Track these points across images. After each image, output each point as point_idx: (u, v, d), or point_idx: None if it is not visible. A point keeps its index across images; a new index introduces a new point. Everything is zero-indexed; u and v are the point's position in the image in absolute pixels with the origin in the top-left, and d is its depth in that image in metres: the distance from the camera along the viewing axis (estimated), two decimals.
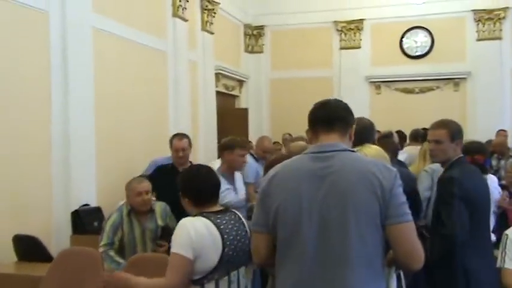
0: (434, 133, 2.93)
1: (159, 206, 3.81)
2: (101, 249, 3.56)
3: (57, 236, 4.75)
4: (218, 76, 8.93)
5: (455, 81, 9.71)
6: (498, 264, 2.95)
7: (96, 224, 4.80)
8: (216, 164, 5.44)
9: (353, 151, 1.97)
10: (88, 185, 5.15)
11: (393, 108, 9.75)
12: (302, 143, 4.15)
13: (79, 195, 4.96)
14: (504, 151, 6.63)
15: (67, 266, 3.22)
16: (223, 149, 4.28)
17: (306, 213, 1.83)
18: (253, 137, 9.63)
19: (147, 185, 3.72)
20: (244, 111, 9.42)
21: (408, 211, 1.81)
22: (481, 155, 4.03)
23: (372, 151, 2.70)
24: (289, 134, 7.96)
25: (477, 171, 3.02)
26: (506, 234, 3.03)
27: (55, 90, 4.77)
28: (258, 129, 10.37)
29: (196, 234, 2.18)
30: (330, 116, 1.97)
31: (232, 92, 9.91)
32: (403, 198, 1.82)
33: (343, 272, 1.77)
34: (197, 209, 2.34)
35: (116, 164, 5.62)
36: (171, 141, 4.54)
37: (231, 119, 8.94)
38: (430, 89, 9.85)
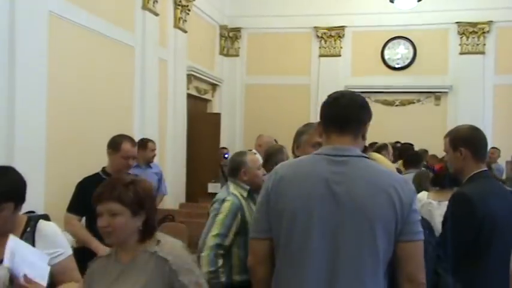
0: None
1: None
2: (210, 242, 2.68)
3: None
4: (190, 78, 8.35)
5: (436, 94, 9.40)
6: None
7: None
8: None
9: (367, 157, 1.86)
10: (35, 189, 4.47)
11: (372, 120, 9.35)
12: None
13: None
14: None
15: None
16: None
17: (317, 223, 1.73)
18: (225, 143, 9.14)
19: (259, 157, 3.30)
20: (217, 116, 8.89)
21: (421, 229, 1.77)
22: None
23: (382, 159, 2.32)
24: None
25: (499, 188, 2.64)
26: None
27: None
28: (230, 135, 9.85)
29: None
30: (342, 117, 1.85)
31: (205, 96, 9.35)
32: (419, 215, 1.79)
33: (351, 284, 1.71)
34: None
35: (71, 168, 4.95)
36: (119, 143, 3.77)
37: (202, 124, 8.39)
38: (411, 102, 9.52)
